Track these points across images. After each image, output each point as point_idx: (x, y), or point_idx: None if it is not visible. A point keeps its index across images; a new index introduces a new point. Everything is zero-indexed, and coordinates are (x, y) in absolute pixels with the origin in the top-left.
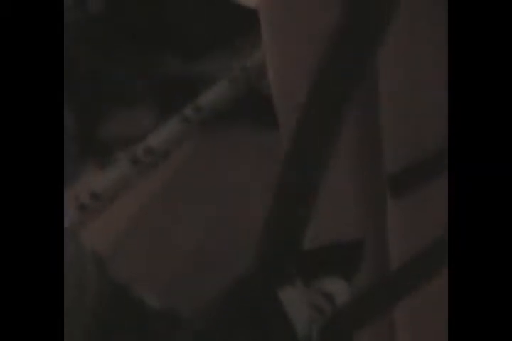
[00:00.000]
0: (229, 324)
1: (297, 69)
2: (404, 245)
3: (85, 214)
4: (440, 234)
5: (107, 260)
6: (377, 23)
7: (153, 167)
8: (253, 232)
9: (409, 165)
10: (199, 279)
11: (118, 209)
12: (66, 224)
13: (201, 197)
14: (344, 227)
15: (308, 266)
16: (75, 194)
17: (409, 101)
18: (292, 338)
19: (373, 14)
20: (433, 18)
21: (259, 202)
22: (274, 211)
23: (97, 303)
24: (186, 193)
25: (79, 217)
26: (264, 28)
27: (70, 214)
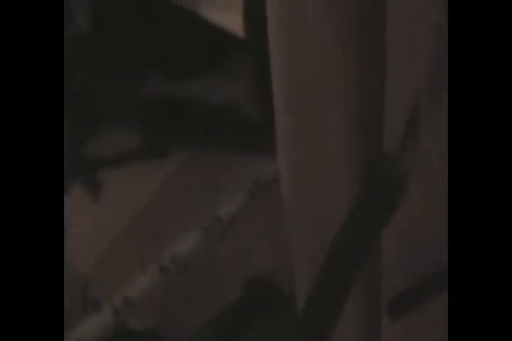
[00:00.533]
0: None
1: (310, 185)
2: None
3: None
4: None
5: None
6: (387, 205)
7: (179, 274)
8: None
9: (408, 288)
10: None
11: (103, 227)
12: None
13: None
14: None
15: None
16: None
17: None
18: None
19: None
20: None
21: None
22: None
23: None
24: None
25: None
26: (281, 146)
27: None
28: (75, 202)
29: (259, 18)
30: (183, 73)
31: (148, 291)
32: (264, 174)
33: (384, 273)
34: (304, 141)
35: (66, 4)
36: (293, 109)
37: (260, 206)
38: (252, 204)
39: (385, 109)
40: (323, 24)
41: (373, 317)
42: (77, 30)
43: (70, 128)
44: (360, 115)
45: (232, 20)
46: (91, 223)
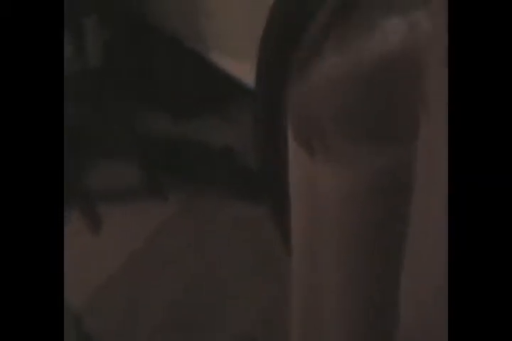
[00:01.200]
0: None
1: None
2: None
3: None
4: None
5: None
6: None
7: None
8: None
9: None
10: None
11: (98, 267)
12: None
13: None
14: None
15: None
16: None
17: None
18: None
19: None
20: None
21: None
22: None
23: None
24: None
25: None
26: None
27: None
28: (74, 235)
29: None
30: (186, 114)
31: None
32: None
33: None
34: None
35: (66, 47)
36: None
37: None
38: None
39: None
40: None
41: None
42: (84, 65)
43: (71, 162)
44: None
45: (240, 68)
46: (89, 256)
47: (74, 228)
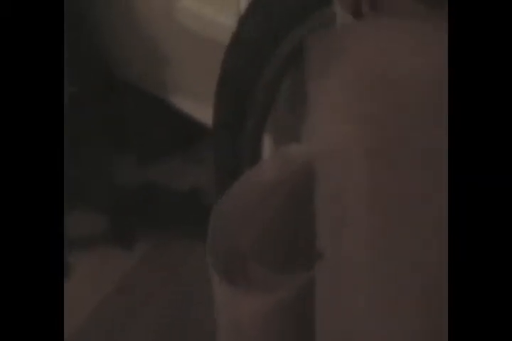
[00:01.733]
0: None
1: None
2: None
3: None
4: None
5: None
6: None
7: None
8: None
9: None
10: None
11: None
12: None
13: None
14: None
15: None
16: None
17: None
18: None
19: None
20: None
21: None
22: None
23: None
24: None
25: None
26: None
27: None
28: None
29: (229, 109)
30: (150, 159)
31: None
32: None
33: None
34: None
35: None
36: None
37: None
38: None
39: None
40: None
41: None
42: None
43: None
44: None
45: (201, 110)
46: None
47: None
